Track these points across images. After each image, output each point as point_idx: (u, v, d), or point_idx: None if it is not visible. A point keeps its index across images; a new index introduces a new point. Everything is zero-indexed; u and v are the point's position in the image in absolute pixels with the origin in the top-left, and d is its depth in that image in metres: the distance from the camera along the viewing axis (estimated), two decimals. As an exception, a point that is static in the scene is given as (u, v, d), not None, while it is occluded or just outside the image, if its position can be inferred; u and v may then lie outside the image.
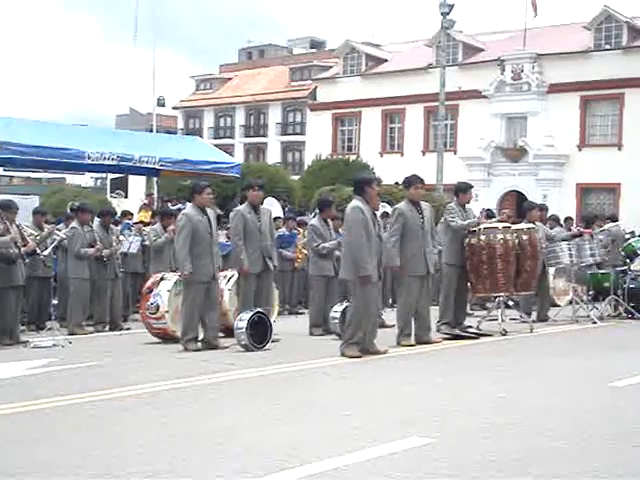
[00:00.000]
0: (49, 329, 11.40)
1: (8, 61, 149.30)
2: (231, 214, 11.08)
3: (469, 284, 11.51)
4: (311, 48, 62.71)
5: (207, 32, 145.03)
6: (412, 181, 10.46)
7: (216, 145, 25.20)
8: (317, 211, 13.31)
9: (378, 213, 10.13)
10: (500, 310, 11.71)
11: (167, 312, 10.83)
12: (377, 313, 10.03)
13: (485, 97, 40.21)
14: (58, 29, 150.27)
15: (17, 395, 7.10)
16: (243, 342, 9.82)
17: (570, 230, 15.72)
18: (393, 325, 11.06)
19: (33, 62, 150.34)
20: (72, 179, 53.21)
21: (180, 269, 10.25)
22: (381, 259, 9.52)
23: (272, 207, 14.14)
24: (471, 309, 13.75)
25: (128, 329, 12.66)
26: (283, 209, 19.48)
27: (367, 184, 9.50)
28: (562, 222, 17.25)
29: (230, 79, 57.54)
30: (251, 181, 11.57)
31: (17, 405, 6.67)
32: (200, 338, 10.22)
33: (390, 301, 15.55)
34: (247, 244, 10.61)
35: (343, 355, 9.24)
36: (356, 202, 9.40)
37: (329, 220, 12.34)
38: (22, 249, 10.80)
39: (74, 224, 12.56)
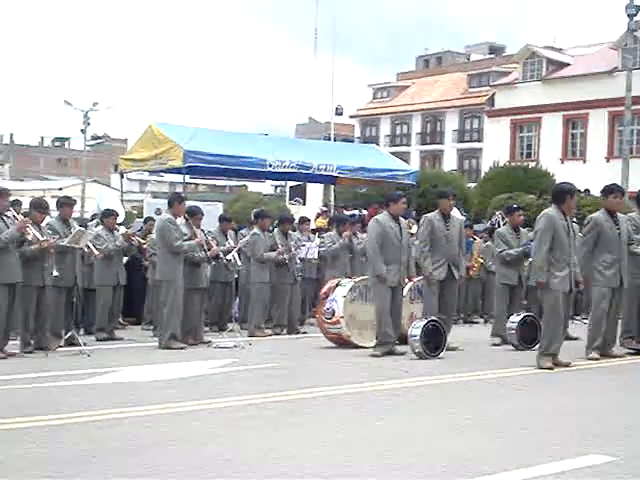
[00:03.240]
0: (230, 331, 11.83)
1: (195, 74, 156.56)
2: (420, 221, 11.18)
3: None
4: (490, 54, 61.72)
5: (385, 41, 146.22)
6: (612, 190, 10.17)
7: (392, 153, 25.31)
8: (500, 217, 13.17)
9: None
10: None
11: (342, 317, 10.97)
12: (565, 325, 9.75)
13: (676, 101, 38.05)
14: (240, 40, 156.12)
15: (199, 393, 7.40)
16: (417, 350, 9.79)
17: None
18: (577, 338, 10.70)
19: (217, 74, 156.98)
20: (253, 186, 55.07)
21: (371, 271, 10.38)
22: (574, 270, 9.25)
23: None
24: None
25: (305, 333, 12.93)
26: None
27: (569, 194, 9.32)
28: None
29: (407, 87, 57.63)
30: (445, 190, 11.64)
31: (199, 403, 6.95)
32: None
33: (571, 313, 15.00)
34: (433, 251, 10.60)
35: (539, 367, 9.04)
36: (549, 210, 9.27)
37: (520, 228, 12.12)
38: (207, 253, 11.31)
39: (255, 230, 12.99)
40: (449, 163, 50.72)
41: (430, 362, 9.54)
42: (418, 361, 9.65)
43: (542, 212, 9.44)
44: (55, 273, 9.88)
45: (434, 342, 9.87)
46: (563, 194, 9.33)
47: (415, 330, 9.85)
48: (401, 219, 10.62)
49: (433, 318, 10.02)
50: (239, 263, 12.71)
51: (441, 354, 9.90)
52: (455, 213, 16.48)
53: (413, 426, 6.21)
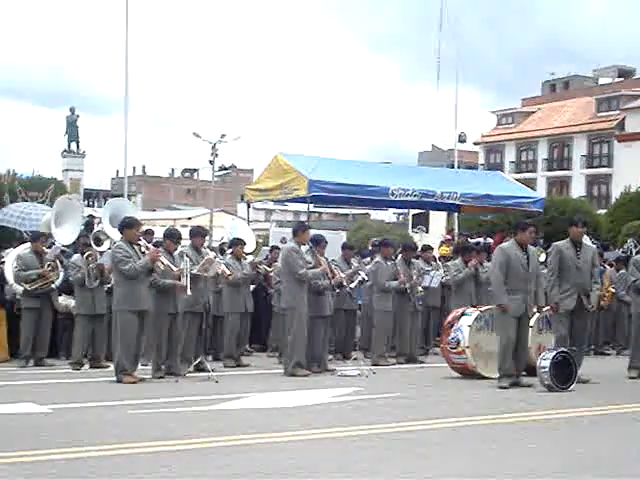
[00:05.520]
0: (354, 359, 11.82)
1: (319, 104, 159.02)
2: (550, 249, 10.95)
3: None
4: (619, 77, 59.99)
5: (509, 67, 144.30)
6: None
7: (517, 179, 24.91)
8: (633, 244, 12.72)
9: None
10: None
11: (468, 347, 10.79)
12: None
13: None
14: (362, 70, 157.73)
15: (324, 422, 7.40)
16: (546, 382, 9.52)
17: None
18: None
19: (340, 103, 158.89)
20: (376, 214, 55.21)
21: (494, 301, 10.27)
22: None
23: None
24: None
25: (422, 362, 12.76)
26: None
27: None
28: None
29: (533, 112, 56.68)
30: (574, 217, 11.44)
31: (325, 431, 6.94)
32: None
33: None
34: (562, 280, 10.33)
35: None
36: None
37: None
38: (331, 281, 11.37)
39: (378, 258, 12.99)
40: (577, 189, 49.45)
41: (559, 395, 9.26)
42: (547, 393, 9.38)
43: None
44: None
45: (564, 374, 9.58)
46: None
47: (544, 362, 9.58)
48: (530, 247, 10.45)
49: (563, 349, 9.74)
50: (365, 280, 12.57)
51: (571, 387, 9.59)
52: (585, 241, 16.05)
53: (541, 461, 6.02)
